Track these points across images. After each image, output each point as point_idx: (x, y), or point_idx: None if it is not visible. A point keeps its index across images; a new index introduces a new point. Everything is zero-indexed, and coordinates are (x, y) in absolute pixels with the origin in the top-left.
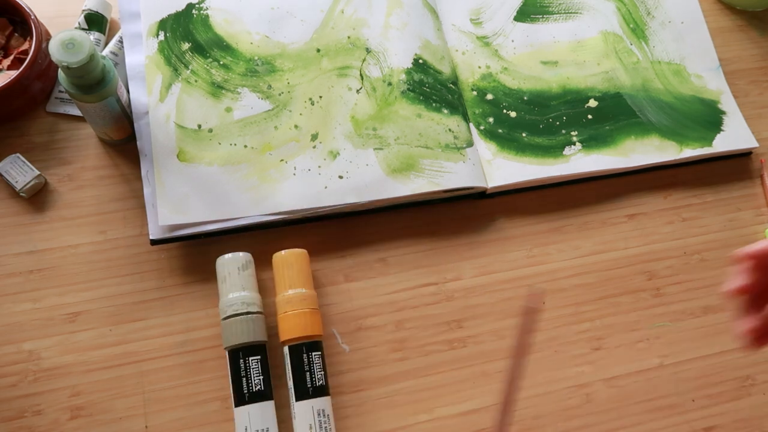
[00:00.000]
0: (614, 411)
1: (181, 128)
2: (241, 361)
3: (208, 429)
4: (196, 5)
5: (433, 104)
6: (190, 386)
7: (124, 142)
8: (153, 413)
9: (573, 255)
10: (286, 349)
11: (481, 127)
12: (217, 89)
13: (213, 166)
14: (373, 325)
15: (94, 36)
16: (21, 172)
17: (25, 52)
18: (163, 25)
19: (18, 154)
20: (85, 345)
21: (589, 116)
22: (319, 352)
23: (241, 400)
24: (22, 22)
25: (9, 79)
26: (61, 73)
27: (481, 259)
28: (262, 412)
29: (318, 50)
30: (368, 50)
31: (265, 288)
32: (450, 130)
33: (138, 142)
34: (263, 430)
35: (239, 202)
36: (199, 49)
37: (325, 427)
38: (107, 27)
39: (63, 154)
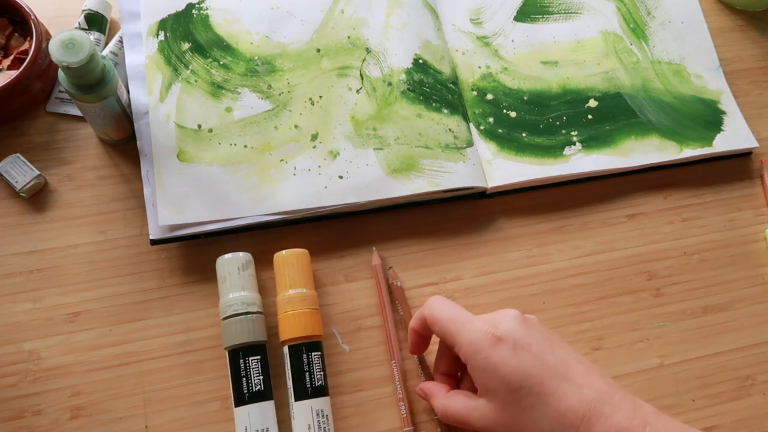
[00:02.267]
0: None
1: (181, 128)
2: (241, 361)
3: (208, 429)
4: (196, 5)
5: (433, 104)
6: (190, 386)
7: (124, 142)
8: (153, 413)
9: (573, 255)
10: (285, 349)
11: (481, 127)
12: (217, 89)
13: (213, 166)
14: (373, 325)
15: (94, 36)
16: (21, 172)
17: (25, 52)
18: (163, 25)
19: (18, 154)
20: (85, 345)
21: (589, 116)
22: (319, 353)
23: (241, 400)
24: (22, 22)
25: (9, 79)
26: (61, 73)
27: (481, 259)
28: (262, 412)
29: (318, 50)
30: (368, 50)
31: (265, 288)
32: (450, 130)
33: (138, 142)
34: (263, 430)
35: (239, 202)
36: (199, 49)
37: (324, 427)
38: (107, 27)
39: (63, 154)
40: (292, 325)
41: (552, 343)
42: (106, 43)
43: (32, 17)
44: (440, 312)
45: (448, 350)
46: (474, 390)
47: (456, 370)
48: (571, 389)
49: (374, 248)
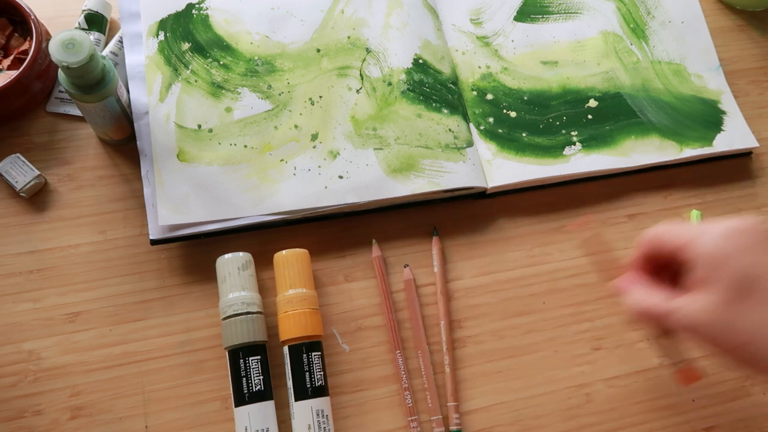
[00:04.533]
0: (614, 411)
1: (181, 128)
2: (241, 361)
3: (208, 429)
4: (196, 5)
5: (433, 104)
6: (190, 386)
7: (124, 142)
8: (153, 413)
9: (573, 255)
10: (285, 349)
11: (481, 127)
12: (217, 89)
13: (213, 166)
14: (373, 325)
15: (94, 36)
16: (21, 172)
17: (25, 52)
18: (163, 25)
19: (18, 154)
20: (85, 345)
21: (589, 116)
22: (319, 353)
23: (241, 400)
24: (22, 22)
25: (9, 79)
26: (61, 73)
27: (481, 259)
28: (262, 412)
29: (318, 50)
30: (368, 50)
31: (265, 288)
32: (450, 130)
33: (138, 142)
34: (263, 430)
35: (239, 202)
36: (199, 49)
37: (324, 427)
38: (107, 27)
39: (63, 154)
40: (292, 325)
41: None
42: (106, 43)
43: (32, 17)
44: (669, 227)
45: (652, 259)
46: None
47: (653, 271)
48: None
49: (374, 240)
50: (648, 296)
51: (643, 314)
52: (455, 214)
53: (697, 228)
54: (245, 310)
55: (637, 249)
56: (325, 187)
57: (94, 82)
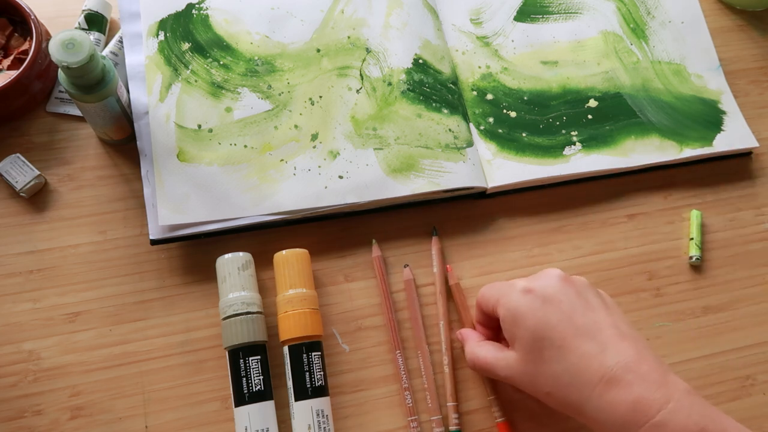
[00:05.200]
0: None
1: (181, 128)
2: (241, 361)
3: (208, 429)
4: (196, 5)
5: (433, 104)
6: (190, 386)
7: (124, 142)
8: (153, 413)
9: (573, 255)
10: (285, 349)
11: (481, 127)
12: (217, 89)
13: (213, 166)
14: (373, 325)
15: (94, 36)
16: (21, 172)
17: (25, 52)
18: (163, 25)
19: (18, 154)
20: (85, 345)
21: (589, 116)
22: (319, 353)
23: (241, 400)
24: (22, 22)
25: (9, 79)
26: (61, 73)
27: (481, 259)
28: (262, 412)
29: (318, 50)
30: (368, 50)
31: (265, 288)
32: (450, 130)
33: (138, 142)
34: (263, 430)
35: (239, 202)
36: (199, 49)
37: (324, 427)
38: (107, 27)
39: (63, 154)
40: (292, 325)
41: (587, 305)
42: (106, 43)
43: (32, 17)
44: (488, 287)
45: (487, 313)
46: (507, 347)
47: (493, 326)
48: (594, 350)
49: (374, 240)
50: (478, 349)
51: (474, 365)
52: (455, 214)
53: (503, 288)
54: (245, 310)
55: (476, 317)
56: (325, 187)
57: (94, 82)
